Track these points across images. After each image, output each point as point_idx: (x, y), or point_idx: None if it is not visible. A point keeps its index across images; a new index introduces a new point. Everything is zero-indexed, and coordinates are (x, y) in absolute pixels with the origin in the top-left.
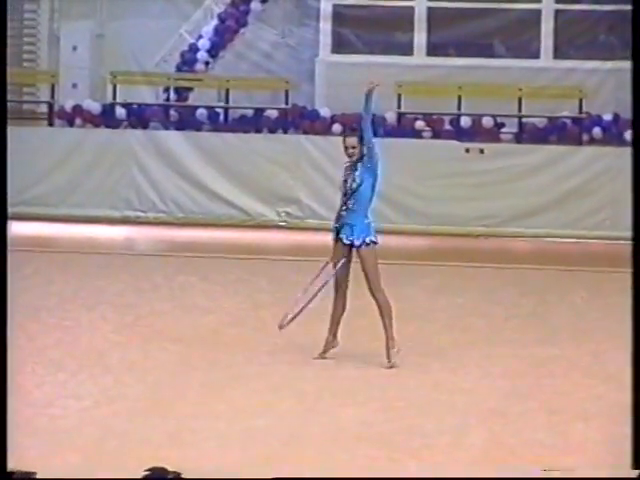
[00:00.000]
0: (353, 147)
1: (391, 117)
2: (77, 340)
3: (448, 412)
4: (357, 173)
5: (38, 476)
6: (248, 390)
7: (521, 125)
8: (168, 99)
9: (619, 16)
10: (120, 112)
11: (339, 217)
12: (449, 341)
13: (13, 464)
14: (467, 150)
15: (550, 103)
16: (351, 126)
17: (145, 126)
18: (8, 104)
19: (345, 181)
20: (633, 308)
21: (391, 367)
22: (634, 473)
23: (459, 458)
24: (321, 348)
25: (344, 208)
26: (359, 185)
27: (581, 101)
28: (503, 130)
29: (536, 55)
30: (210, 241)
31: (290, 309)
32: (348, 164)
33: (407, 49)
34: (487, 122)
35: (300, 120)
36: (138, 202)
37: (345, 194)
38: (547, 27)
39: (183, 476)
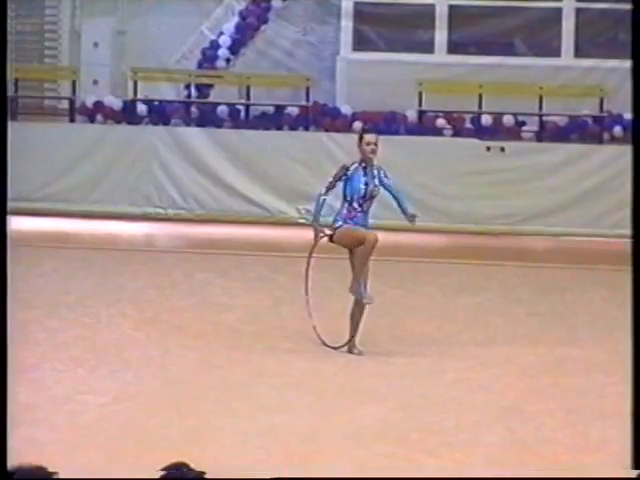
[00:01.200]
0: (375, 143)
1: (412, 115)
2: (97, 336)
3: (466, 410)
4: (376, 181)
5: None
6: (267, 387)
7: (542, 123)
8: (189, 96)
9: None
10: (141, 108)
11: (353, 217)
12: (468, 339)
13: (32, 459)
14: (488, 148)
15: (571, 101)
16: (365, 126)
17: (166, 123)
18: (30, 100)
19: (367, 184)
20: (633, 309)
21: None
22: (634, 473)
23: (477, 456)
24: (342, 349)
25: (360, 210)
26: (378, 192)
27: (602, 100)
28: (524, 128)
29: (557, 53)
30: (230, 238)
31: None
32: (363, 166)
33: (428, 47)
34: (508, 120)
35: (321, 117)
36: (158, 199)
37: (364, 197)
38: (568, 25)
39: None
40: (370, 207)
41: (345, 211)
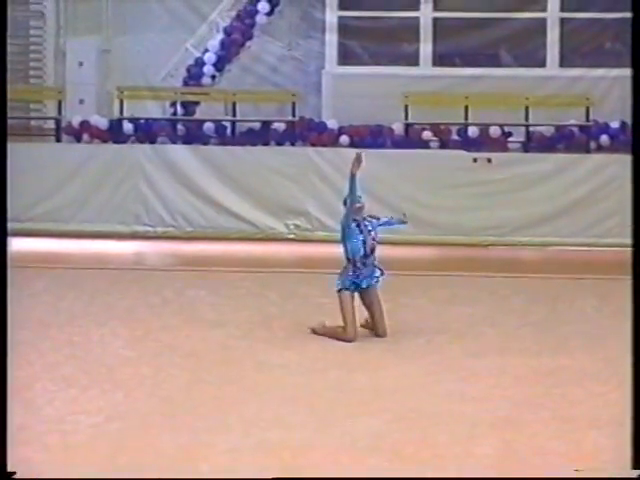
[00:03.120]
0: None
1: (398, 128)
2: (88, 356)
3: (460, 422)
4: (373, 233)
5: None
6: (260, 403)
7: (528, 134)
8: (175, 113)
9: (625, 23)
10: (127, 127)
11: (359, 275)
12: (460, 351)
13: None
14: (475, 160)
15: (557, 111)
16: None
17: (152, 141)
18: (16, 121)
19: (364, 242)
20: (633, 311)
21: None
22: (634, 473)
23: (471, 468)
24: (332, 363)
25: (364, 266)
26: (377, 242)
27: (588, 109)
28: (510, 139)
29: (542, 64)
30: (219, 255)
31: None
32: (356, 224)
33: (413, 60)
34: (494, 131)
35: (307, 132)
36: (147, 217)
37: (365, 254)
38: (553, 35)
39: None
40: (374, 258)
41: (351, 272)
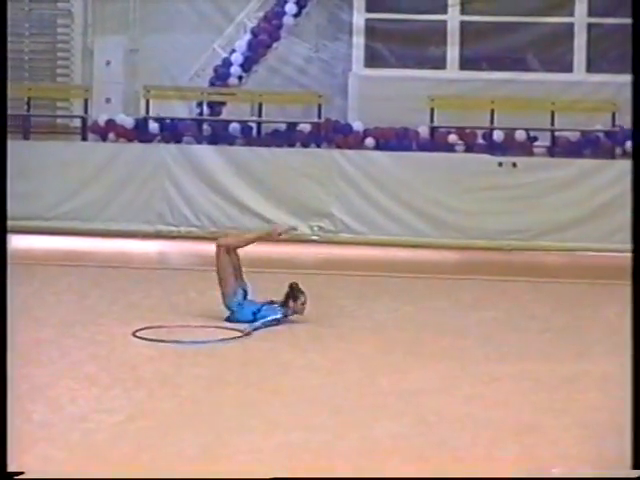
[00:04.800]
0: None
1: (424, 131)
2: (111, 354)
3: (481, 426)
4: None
5: None
6: (281, 404)
7: (554, 139)
8: (201, 113)
9: None
10: (153, 126)
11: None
12: (482, 355)
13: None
14: (500, 164)
15: (583, 117)
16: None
17: (178, 140)
18: (42, 119)
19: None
20: (633, 312)
21: None
22: (634, 473)
23: (491, 472)
24: (354, 365)
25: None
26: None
27: (614, 114)
28: (536, 144)
29: (569, 69)
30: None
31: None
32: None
33: (440, 63)
34: (520, 136)
35: (333, 134)
36: (171, 216)
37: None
38: (580, 41)
39: None
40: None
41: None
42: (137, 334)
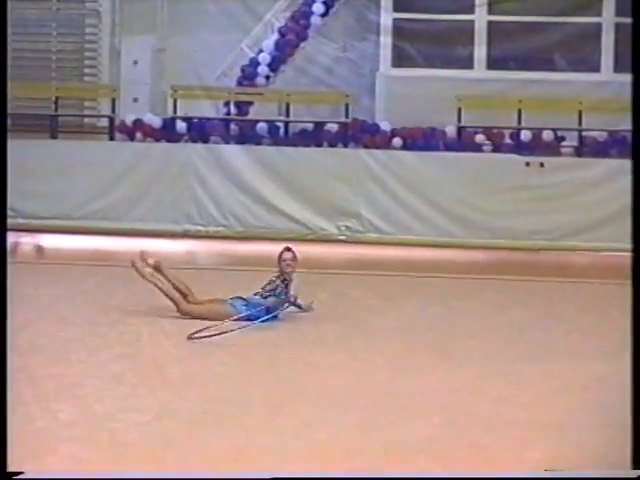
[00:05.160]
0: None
1: (451, 131)
2: (138, 354)
3: (509, 426)
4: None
5: None
6: (309, 404)
7: (581, 139)
8: (228, 113)
9: None
10: (181, 126)
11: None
12: (510, 355)
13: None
14: (527, 164)
15: (610, 116)
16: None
17: (205, 140)
18: (70, 118)
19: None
20: (633, 312)
21: None
22: (634, 473)
23: (519, 472)
24: (382, 365)
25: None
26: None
27: None
28: (563, 144)
29: (596, 68)
30: (270, 255)
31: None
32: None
33: (467, 63)
34: (547, 136)
35: (360, 134)
36: (198, 216)
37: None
38: (607, 40)
39: None
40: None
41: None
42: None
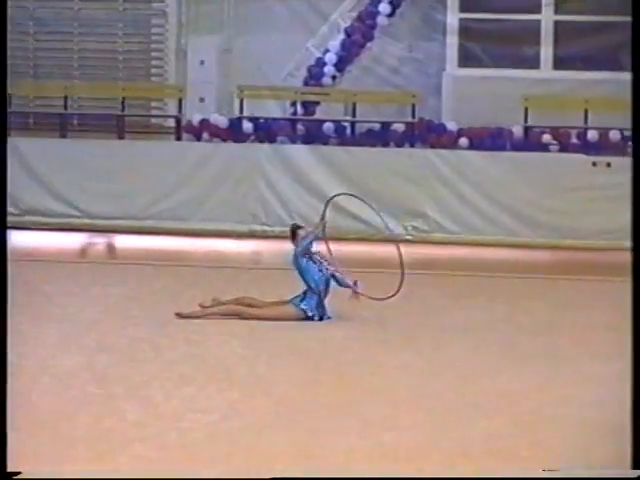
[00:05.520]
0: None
1: (518, 131)
2: (205, 354)
3: (576, 426)
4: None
5: None
6: (375, 404)
7: None
8: (295, 113)
9: None
10: (247, 126)
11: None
12: (576, 355)
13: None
14: (594, 164)
15: None
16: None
17: (272, 140)
18: (136, 119)
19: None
20: (633, 314)
21: None
22: (634, 473)
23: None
24: (448, 365)
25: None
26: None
27: None
28: (630, 144)
29: None
30: (337, 255)
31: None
32: (308, 256)
33: (534, 62)
34: (614, 135)
35: (427, 134)
36: (265, 216)
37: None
38: None
39: None
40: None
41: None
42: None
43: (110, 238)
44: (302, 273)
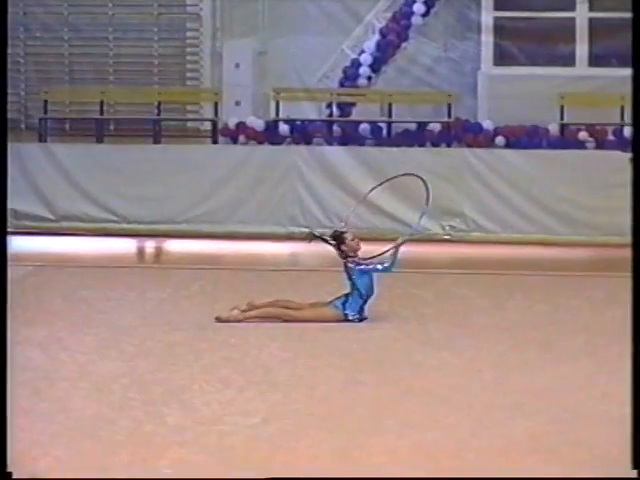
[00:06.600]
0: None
1: (554, 128)
2: (244, 357)
3: (617, 424)
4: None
5: None
6: (416, 404)
7: None
8: (331, 114)
9: None
10: (283, 128)
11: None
12: (617, 352)
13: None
14: (631, 160)
15: None
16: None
17: (308, 142)
18: (172, 122)
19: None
20: (633, 311)
21: None
22: (634, 473)
23: (629, 470)
24: (488, 363)
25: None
26: None
27: None
28: None
29: None
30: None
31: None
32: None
33: (569, 60)
34: None
35: (463, 133)
36: (303, 218)
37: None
38: None
39: None
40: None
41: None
42: None
43: (160, 243)
44: (354, 277)
